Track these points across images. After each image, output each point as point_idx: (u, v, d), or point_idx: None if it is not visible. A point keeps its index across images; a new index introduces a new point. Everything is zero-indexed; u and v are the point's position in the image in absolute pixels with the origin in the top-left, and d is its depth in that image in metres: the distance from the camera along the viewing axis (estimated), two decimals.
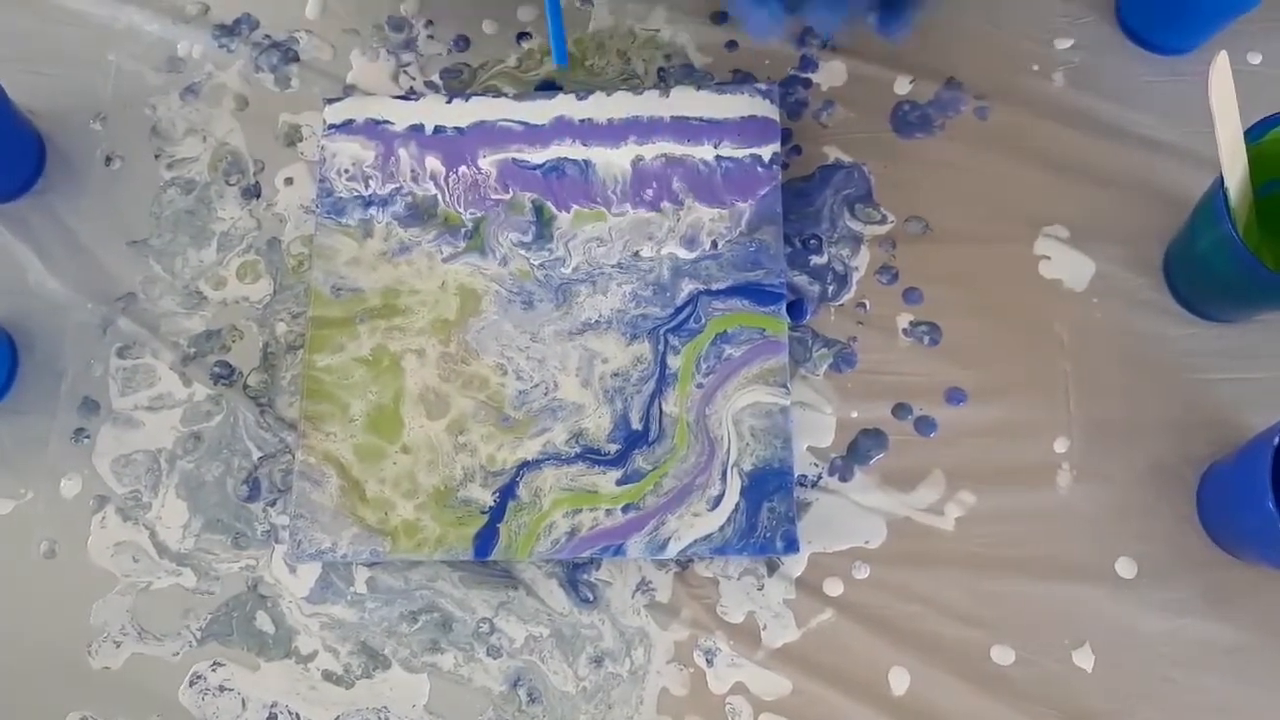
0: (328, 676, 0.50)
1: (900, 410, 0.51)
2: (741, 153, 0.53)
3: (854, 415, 0.52)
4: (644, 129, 0.53)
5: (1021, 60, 0.56)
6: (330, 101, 0.55)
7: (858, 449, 0.51)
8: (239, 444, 0.53)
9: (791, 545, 0.48)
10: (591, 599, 0.50)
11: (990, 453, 0.51)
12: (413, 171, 0.54)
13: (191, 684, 0.50)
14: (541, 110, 0.54)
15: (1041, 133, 0.55)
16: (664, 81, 0.57)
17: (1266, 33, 0.55)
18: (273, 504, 0.52)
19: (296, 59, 0.59)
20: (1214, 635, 0.48)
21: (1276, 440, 0.43)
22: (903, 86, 0.56)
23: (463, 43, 0.58)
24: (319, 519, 0.50)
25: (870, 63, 0.56)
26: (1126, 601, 0.48)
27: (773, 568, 0.50)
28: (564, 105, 0.54)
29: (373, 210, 0.54)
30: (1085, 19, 0.57)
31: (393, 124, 0.54)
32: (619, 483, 0.49)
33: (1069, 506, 0.50)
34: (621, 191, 0.53)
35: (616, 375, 0.51)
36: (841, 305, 0.53)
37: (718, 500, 0.49)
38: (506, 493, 0.50)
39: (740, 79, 0.57)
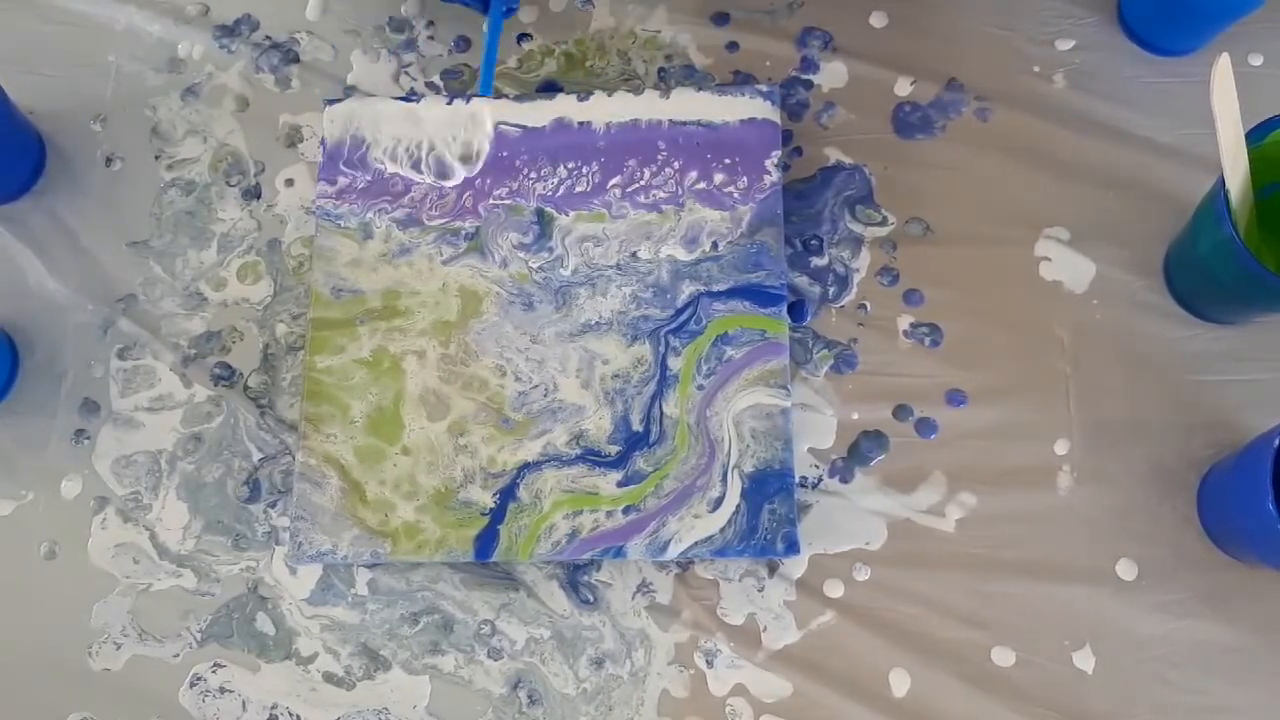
0: (328, 678, 0.50)
1: (901, 412, 0.51)
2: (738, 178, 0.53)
3: (854, 417, 0.52)
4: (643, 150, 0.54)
5: (1023, 61, 0.56)
6: (331, 102, 0.55)
7: (858, 450, 0.51)
8: (239, 445, 0.53)
9: (792, 547, 0.48)
10: (592, 600, 0.50)
11: (991, 454, 0.51)
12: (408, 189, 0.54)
13: (192, 685, 0.50)
14: (542, 111, 0.54)
15: (1042, 134, 0.55)
16: (664, 82, 0.57)
17: (1268, 34, 0.55)
18: (273, 505, 0.52)
19: (297, 60, 0.59)
20: (1214, 637, 0.48)
21: (1277, 442, 0.43)
22: (904, 88, 0.56)
23: (463, 43, 0.58)
24: (319, 520, 0.50)
25: (871, 64, 0.56)
26: (1127, 603, 0.49)
27: (773, 569, 0.50)
28: (564, 105, 0.54)
29: (372, 214, 0.54)
30: (1087, 20, 0.57)
31: (384, 166, 0.54)
32: (619, 484, 0.49)
33: (1069, 508, 0.50)
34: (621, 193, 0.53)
35: (617, 377, 0.51)
36: (842, 307, 0.53)
37: (718, 502, 0.49)
38: (507, 494, 0.50)
39: (741, 80, 0.57)
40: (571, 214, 0.53)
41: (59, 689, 0.50)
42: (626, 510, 0.49)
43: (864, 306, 0.53)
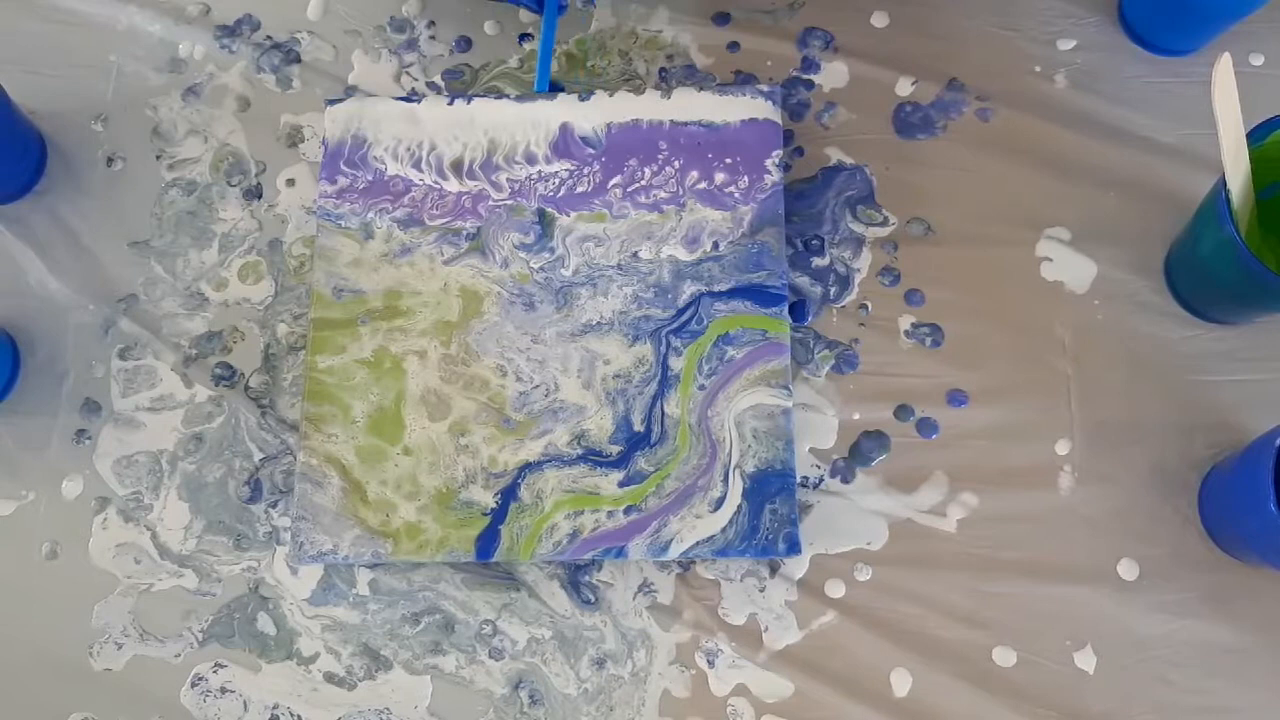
0: (329, 678, 0.50)
1: (902, 412, 0.51)
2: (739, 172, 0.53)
3: (856, 417, 0.52)
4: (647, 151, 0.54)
5: (1024, 61, 0.56)
6: (332, 102, 0.55)
7: (859, 451, 0.51)
8: (240, 445, 0.53)
9: (793, 547, 0.48)
10: (593, 601, 0.50)
11: (992, 455, 0.51)
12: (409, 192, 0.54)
13: (193, 685, 0.50)
14: (543, 112, 0.54)
15: (1043, 134, 0.55)
16: (665, 82, 0.57)
17: (1269, 34, 0.55)
18: (274, 505, 0.52)
19: (298, 60, 0.58)
20: (1215, 637, 0.48)
21: (1278, 442, 0.43)
22: (905, 88, 0.56)
23: (464, 43, 0.58)
24: (321, 521, 0.50)
25: (872, 64, 0.56)
26: (1128, 603, 0.49)
27: (774, 569, 0.50)
28: (565, 107, 0.54)
29: (373, 214, 0.54)
30: (1088, 20, 0.57)
31: (385, 166, 0.54)
32: (621, 484, 0.49)
33: (1071, 508, 0.50)
34: (622, 194, 0.53)
35: (618, 377, 0.51)
36: (843, 307, 0.53)
37: (719, 502, 0.49)
38: (508, 494, 0.50)
39: (742, 80, 0.57)
40: (572, 214, 0.53)
41: (60, 689, 0.50)
42: (628, 510, 0.49)
43: (865, 307, 0.53)
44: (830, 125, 0.56)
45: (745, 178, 0.53)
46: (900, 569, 0.49)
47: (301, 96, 0.58)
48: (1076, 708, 0.48)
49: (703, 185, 0.53)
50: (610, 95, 0.54)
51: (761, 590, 0.50)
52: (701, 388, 0.50)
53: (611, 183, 0.53)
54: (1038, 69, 0.56)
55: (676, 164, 0.53)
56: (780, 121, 0.53)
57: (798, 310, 0.53)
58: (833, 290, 0.53)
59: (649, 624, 0.50)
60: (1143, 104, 0.55)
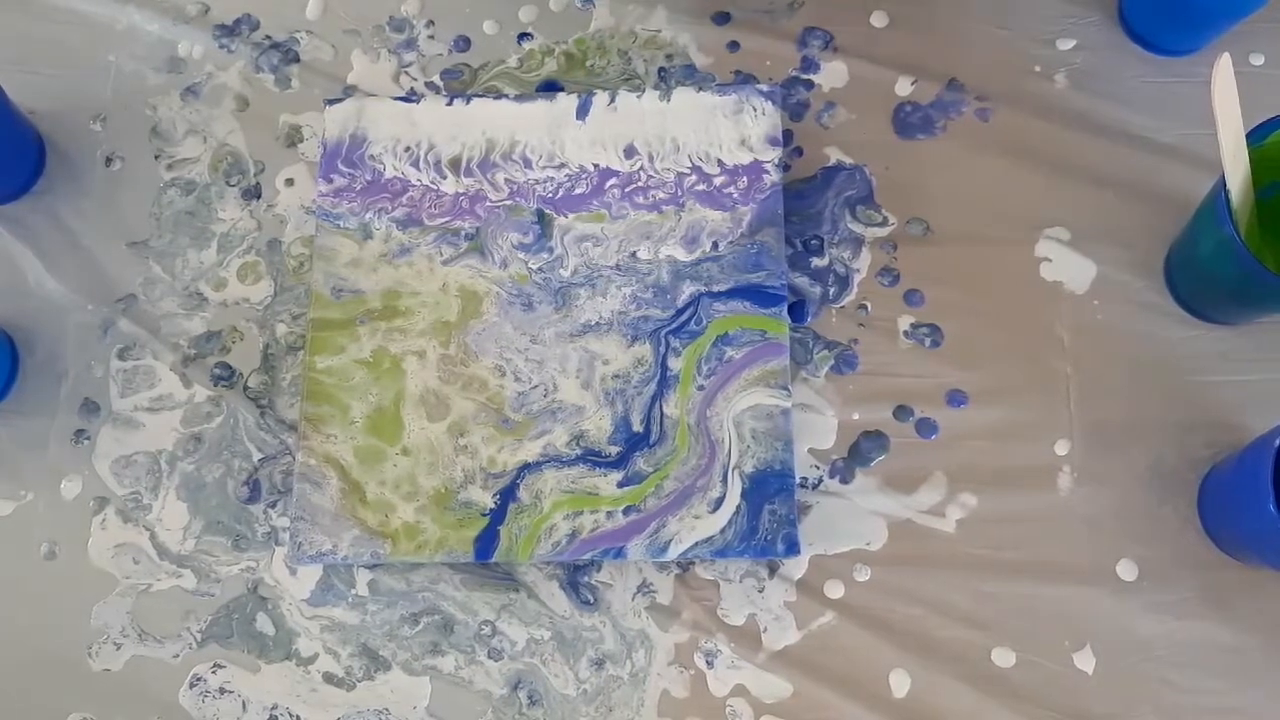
0: (328, 679, 0.50)
1: (901, 412, 0.51)
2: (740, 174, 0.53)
3: (855, 417, 0.52)
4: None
5: (1023, 61, 0.56)
6: (331, 102, 0.55)
7: (859, 451, 0.51)
8: (239, 446, 0.53)
9: (792, 547, 0.48)
10: (592, 601, 0.50)
11: (991, 455, 0.51)
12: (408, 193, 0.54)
13: (192, 686, 0.50)
14: (542, 114, 0.54)
15: (1043, 134, 0.55)
16: (665, 82, 0.57)
17: (1269, 34, 0.55)
18: (273, 506, 0.52)
19: (297, 59, 0.58)
20: (1214, 637, 0.48)
21: (1277, 443, 0.43)
22: (904, 88, 0.56)
23: (463, 43, 0.58)
24: (319, 521, 0.50)
25: (872, 64, 0.56)
26: (1127, 604, 0.49)
27: (773, 570, 0.50)
28: (563, 113, 0.54)
29: (371, 214, 0.53)
30: (1088, 20, 0.56)
31: (383, 166, 0.54)
32: (620, 485, 0.49)
33: (1070, 509, 0.50)
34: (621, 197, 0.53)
35: (617, 377, 0.51)
36: (842, 307, 0.53)
37: (719, 502, 0.49)
38: (507, 495, 0.50)
39: (741, 80, 0.57)
40: (571, 215, 0.53)
41: (59, 689, 0.50)
42: (627, 511, 0.49)
43: (864, 307, 0.53)
44: (829, 125, 0.56)
45: (744, 178, 0.53)
46: (899, 569, 0.49)
47: (300, 96, 0.58)
48: (1075, 708, 0.47)
49: (701, 186, 0.53)
50: (610, 101, 0.54)
51: (760, 591, 0.50)
52: (700, 388, 0.50)
53: (609, 183, 0.53)
54: (1037, 69, 0.56)
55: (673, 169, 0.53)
56: (780, 121, 0.53)
57: (797, 310, 0.53)
58: (832, 290, 0.53)
59: (648, 624, 0.50)
60: (1143, 104, 0.55)
